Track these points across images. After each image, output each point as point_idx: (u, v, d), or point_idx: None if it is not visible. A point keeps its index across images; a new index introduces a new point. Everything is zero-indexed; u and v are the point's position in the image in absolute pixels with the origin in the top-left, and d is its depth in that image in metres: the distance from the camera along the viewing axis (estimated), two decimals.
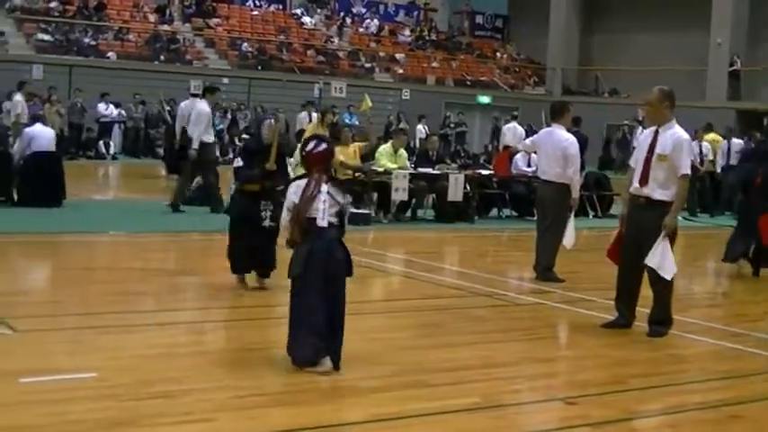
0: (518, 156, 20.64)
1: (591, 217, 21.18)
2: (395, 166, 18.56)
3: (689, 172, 9.55)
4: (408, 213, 19.36)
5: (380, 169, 18.47)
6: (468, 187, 19.43)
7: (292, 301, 7.86)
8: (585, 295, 11.71)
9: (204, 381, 7.30)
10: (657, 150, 9.56)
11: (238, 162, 11.20)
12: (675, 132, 9.58)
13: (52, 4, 38.95)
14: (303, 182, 7.91)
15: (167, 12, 41.71)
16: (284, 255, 8.45)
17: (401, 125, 35.07)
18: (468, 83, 46.22)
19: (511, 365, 8.25)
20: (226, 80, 38.26)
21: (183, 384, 7.07)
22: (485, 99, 44.94)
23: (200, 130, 17.72)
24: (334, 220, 7.85)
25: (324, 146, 8.07)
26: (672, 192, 9.50)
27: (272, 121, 11.55)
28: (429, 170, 19.26)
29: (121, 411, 6.42)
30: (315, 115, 19.86)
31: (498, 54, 50.40)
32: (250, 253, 10.94)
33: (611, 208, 21.80)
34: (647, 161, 9.63)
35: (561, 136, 12.57)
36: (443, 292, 11.91)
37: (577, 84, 48.22)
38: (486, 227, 19.20)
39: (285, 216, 8.01)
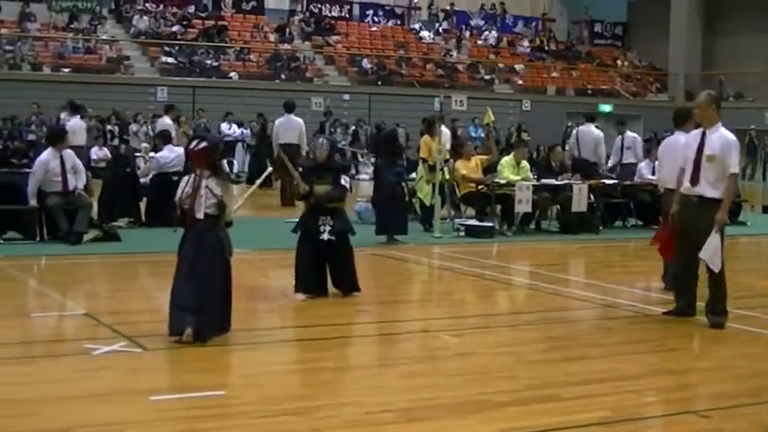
0: (642, 164, 20.31)
1: None
2: (517, 177, 18.41)
3: None
4: (532, 225, 19.20)
5: (503, 181, 18.34)
6: (593, 197, 19.19)
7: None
8: None
9: (331, 397, 7.30)
10: None
11: None
12: None
13: (175, 28, 39.74)
14: (190, 177, 8.93)
15: (287, 31, 42.18)
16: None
17: (524, 136, 34.93)
18: (590, 92, 45.73)
19: (641, 378, 8.08)
20: (346, 96, 38.56)
21: (310, 401, 7.08)
22: (606, 108, 44.43)
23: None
24: (210, 210, 8.79)
25: (203, 144, 8.98)
26: None
27: (324, 140, 11.94)
28: (552, 181, 19.08)
29: (250, 429, 6.45)
30: (445, 130, 19.87)
31: (619, 62, 49.79)
32: (309, 269, 11.16)
33: (739, 215, 21.31)
34: None
35: None
36: (570, 304, 11.77)
37: (701, 89, 47.18)
38: (612, 237, 18.93)
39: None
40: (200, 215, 8.79)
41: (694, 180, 10.03)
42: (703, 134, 10.11)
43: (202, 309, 8.75)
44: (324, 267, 11.19)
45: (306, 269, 11.13)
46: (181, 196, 8.94)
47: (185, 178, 9.05)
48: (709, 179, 9.94)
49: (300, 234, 11.29)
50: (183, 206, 8.94)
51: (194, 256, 8.83)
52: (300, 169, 11.86)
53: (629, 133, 22.74)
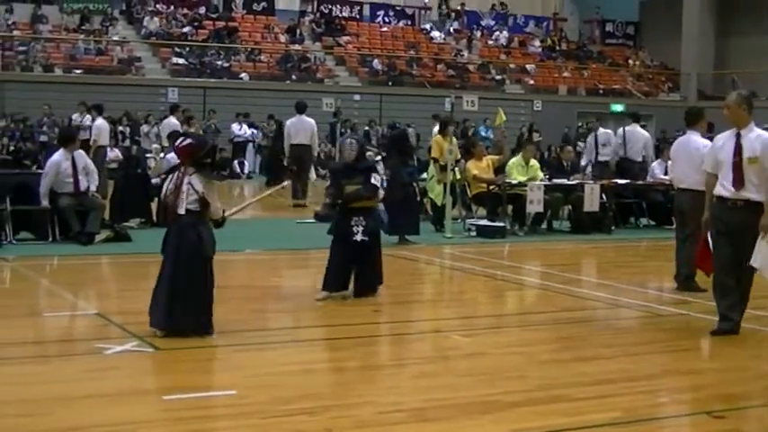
0: (654, 163, 20.27)
1: None
2: (525, 177, 18.35)
3: None
4: (544, 225, 19.17)
5: (514, 181, 18.30)
6: (605, 197, 19.15)
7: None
8: None
9: (343, 397, 7.29)
10: None
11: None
12: None
13: (186, 29, 39.77)
14: (174, 174, 9.09)
15: (297, 32, 42.18)
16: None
17: (535, 137, 34.89)
18: (601, 92, 45.61)
19: (654, 378, 8.06)
20: (357, 97, 38.51)
21: (322, 401, 7.07)
22: (618, 107, 44.28)
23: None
24: (193, 206, 8.89)
25: (188, 141, 9.22)
26: None
27: (352, 140, 11.95)
28: (564, 181, 19.05)
29: (262, 428, 6.45)
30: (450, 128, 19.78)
31: (630, 61, 49.66)
32: (340, 270, 11.11)
33: None
34: None
35: (698, 142, 12.19)
36: (582, 304, 11.75)
37: (713, 88, 47.07)
38: (624, 237, 18.88)
39: None
40: (181, 211, 8.93)
41: (739, 183, 9.55)
42: (738, 135, 9.63)
43: (173, 310, 8.90)
44: (352, 268, 11.18)
45: (337, 270, 11.10)
46: (165, 192, 9.12)
47: (170, 176, 9.21)
48: (754, 182, 9.51)
49: (333, 236, 11.29)
50: (167, 202, 9.10)
51: (176, 254, 8.98)
52: (328, 173, 11.87)
53: (601, 130, 22.79)
